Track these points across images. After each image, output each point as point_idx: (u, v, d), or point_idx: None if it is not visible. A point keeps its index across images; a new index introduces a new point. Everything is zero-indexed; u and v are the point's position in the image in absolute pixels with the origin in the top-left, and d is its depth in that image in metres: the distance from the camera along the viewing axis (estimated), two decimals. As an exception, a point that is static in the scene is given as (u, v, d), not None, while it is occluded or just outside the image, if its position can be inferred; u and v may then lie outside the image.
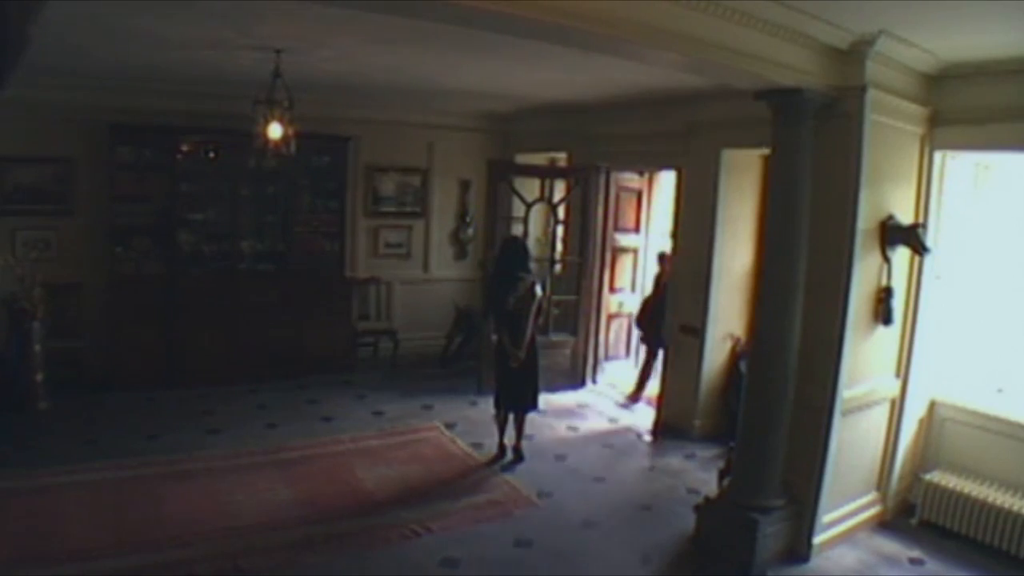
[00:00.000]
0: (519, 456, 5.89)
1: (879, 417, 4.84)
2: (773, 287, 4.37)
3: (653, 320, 7.34)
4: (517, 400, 5.92)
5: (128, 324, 7.01)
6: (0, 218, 6.74)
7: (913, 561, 4.53)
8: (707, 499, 4.76)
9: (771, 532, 4.33)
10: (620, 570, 4.38)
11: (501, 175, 7.65)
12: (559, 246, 8.00)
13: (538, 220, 8.12)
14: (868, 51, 4.04)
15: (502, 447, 5.97)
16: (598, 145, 7.64)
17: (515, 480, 5.51)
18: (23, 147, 6.72)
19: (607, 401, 7.57)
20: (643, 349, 7.78)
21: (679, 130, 6.47)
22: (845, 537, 4.65)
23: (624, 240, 8.14)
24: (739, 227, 6.30)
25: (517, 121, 8.83)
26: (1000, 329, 5.14)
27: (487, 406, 6.82)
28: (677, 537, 4.74)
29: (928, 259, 4.69)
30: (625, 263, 8.25)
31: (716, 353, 6.44)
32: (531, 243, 7.93)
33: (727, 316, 6.40)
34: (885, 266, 4.51)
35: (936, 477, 4.88)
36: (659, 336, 7.29)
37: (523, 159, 8.66)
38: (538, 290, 5.96)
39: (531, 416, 6.11)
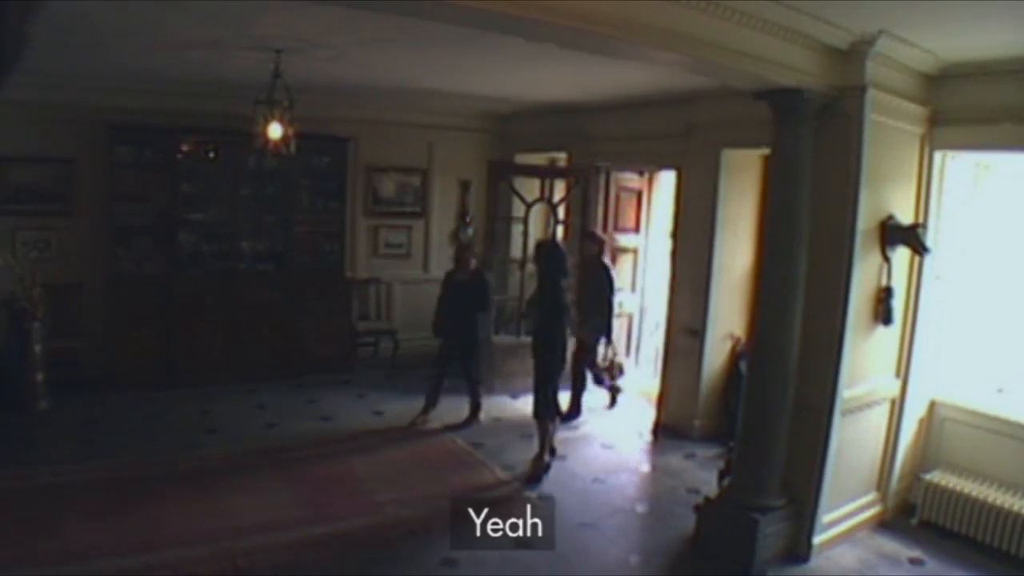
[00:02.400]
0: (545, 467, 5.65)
1: (879, 417, 4.83)
2: (773, 287, 4.37)
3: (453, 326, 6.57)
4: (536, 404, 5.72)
5: (128, 324, 7.01)
6: (0, 218, 6.74)
7: (913, 561, 4.52)
8: (707, 499, 4.75)
9: (771, 532, 4.32)
10: (620, 570, 4.39)
11: (501, 175, 7.65)
12: (559, 246, 8.01)
13: (538, 220, 8.12)
14: (868, 51, 4.04)
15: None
16: (598, 145, 7.64)
17: (515, 480, 5.51)
18: (23, 147, 6.72)
19: (607, 401, 7.56)
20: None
21: (679, 130, 6.47)
22: (845, 537, 4.65)
23: (624, 240, 8.14)
24: (739, 227, 6.29)
25: (517, 121, 8.83)
26: (1000, 329, 5.13)
27: (486, 406, 6.83)
28: (677, 537, 4.74)
29: (928, 259, 4.69)
30: (625, 263, 8.24)
31: (716, 353, 6.44)
32: (531, 243, 7.94)
33: (727, 316, 6.40)
34: (885, 266, 4.51)
35: (936, 477, 4.87)
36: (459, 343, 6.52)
37: (523, 159, 8.66)
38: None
39: (531, 416, 6.05)
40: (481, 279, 6.73)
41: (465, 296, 6.56)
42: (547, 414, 5.67)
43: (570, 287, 6.05)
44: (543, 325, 5.75)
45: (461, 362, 6.62)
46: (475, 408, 6.74)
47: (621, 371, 7.59)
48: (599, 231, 7.40)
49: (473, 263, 6.78)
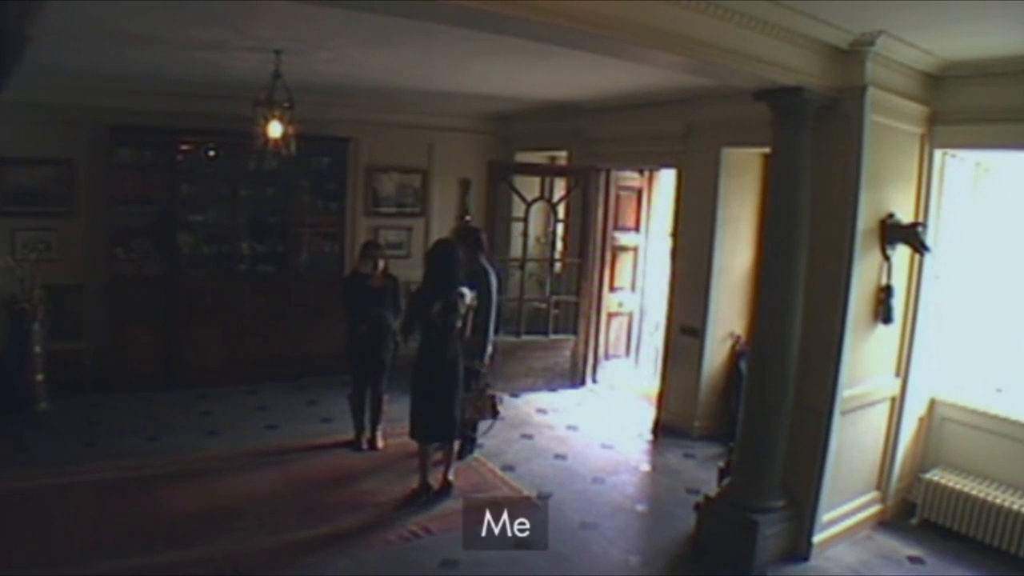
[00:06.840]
0: (446, 489, 5.14)
1: (879, 416, 4.83)
2: (773, 287, 4.37)
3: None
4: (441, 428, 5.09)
5: (128, 325, 7.01)
6: (1, 219, 6.74)
7: (913, 560, 4.53)
8: (707, 498, 4.74)
9: (771, 533, 4.32)
10: (620, 571, 4.38)
11: (501, 175, 7.65)
12: (559, 245, 8.00)
13: (538, 219, 8.12)
14: (868, 51, 4.04)
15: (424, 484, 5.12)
16: (598, 145, 7.64)
17: (515, 480, 5.51)
18: (24, 148, 6.71)
19: (607, 400, 7.57)
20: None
21: (679, 130, 6.48)
22: (845, 536, 4.65)
23: (624, 239, 8.14)
24: (739, 227, 6.29)
25: (517, 121, 8.83)
26: (1000, 329, 5.14)
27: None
28: (677, 538, 4.75)
29: (928, 258, 4.69)
30: (625, 262, 8.24)
31: (716, 353, 6.44)
32: (531, 242, 7.95)
33: (727, 316, 6.40)
34: (885, 265, 4.51)
35: (936, 476, 4.87)
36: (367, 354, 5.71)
37: (523, 158, 8.68)
38: (467, 293, 5.02)
39: (531, 415, 6.04)
40: (393, 283, 5.92)
41: (378, 303, 5.78)
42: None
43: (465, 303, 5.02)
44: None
45: (372, 378, 5.93)
46: (372, 429, 6.02)
47: (494, 410, 5.63)
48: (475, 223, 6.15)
49: (382, 265, 5.91)
